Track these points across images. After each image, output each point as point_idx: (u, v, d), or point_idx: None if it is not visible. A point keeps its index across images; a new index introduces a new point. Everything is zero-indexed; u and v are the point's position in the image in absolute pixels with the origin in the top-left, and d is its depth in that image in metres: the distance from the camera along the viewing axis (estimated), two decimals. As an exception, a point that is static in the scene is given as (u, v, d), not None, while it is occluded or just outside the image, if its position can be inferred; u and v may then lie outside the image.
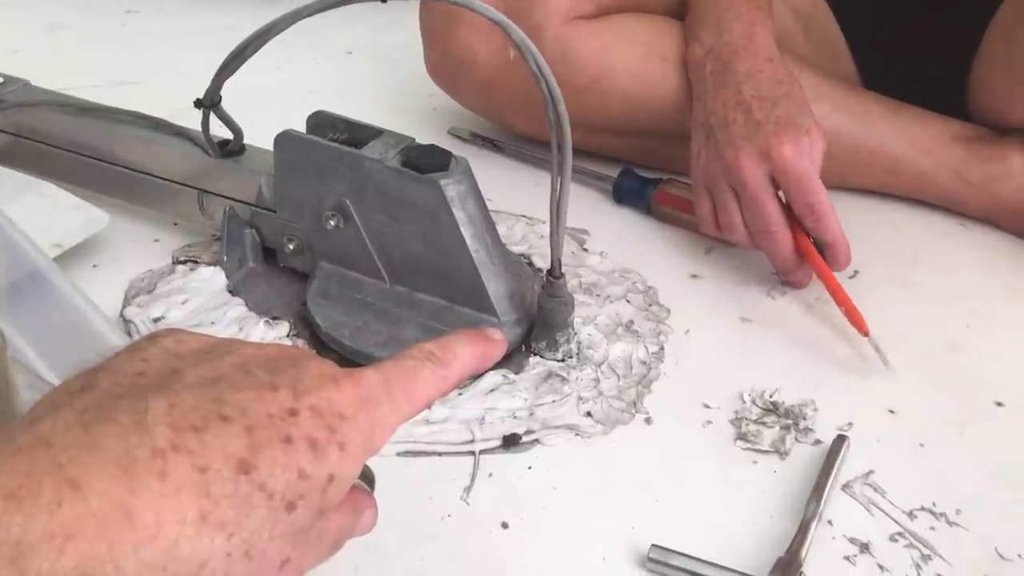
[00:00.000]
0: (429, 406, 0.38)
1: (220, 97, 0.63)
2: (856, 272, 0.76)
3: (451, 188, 0.61)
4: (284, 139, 0.64)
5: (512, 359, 0.64)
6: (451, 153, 0.63)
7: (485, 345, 0.40)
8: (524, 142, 0.89)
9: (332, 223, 0.64)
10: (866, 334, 0.66)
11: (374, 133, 0.65)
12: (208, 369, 0.33)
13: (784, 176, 0.67)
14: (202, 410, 0.31)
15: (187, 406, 0.31)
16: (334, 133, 0.66)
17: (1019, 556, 0.53)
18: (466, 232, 0.62)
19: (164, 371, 0.33)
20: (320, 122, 0.67)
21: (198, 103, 0.63)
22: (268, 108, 0.81)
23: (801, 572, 0.49)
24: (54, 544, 0.27)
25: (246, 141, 0.71)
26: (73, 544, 0.27)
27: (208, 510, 0.29)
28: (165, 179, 0.72)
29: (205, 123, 0.66)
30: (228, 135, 0.71)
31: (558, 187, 0.59)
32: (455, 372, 0.38)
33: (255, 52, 0.57)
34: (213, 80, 0.60)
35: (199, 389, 0.32)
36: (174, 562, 0.29)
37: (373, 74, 1.07)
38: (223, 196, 0.70)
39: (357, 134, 0.65)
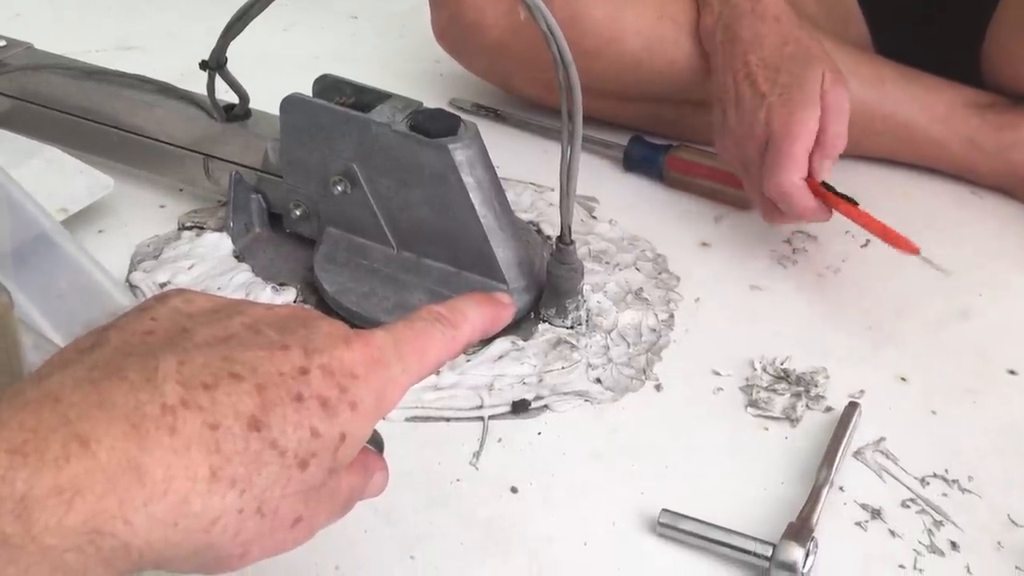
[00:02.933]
0: (439, 367, 0.38)
1: (226, 59, 0.62)
2: (868, 241, 0.75)
3: (460, 152, 0.60)
4: (290, 103, 0.63)
5: (521, 326, 0.63)
6: (460, 117, 0.62)
7: (494, 308, 0.40)
8: (529, 111, 0.88)
9: (339, 188, 0.64)
10: (916, 252, 0.63)
11: (382, 97, 0.64)
12: (219, 328, 0.33)
13: (771, 141, 0.67)
14: (212, 368, 0.31)
15: (197, 364, 0.31)
16: (341, 97, 0.65)
17: (1031, 523, 0.53)
18: (475, 197, 0.61)
19: (174, 330, 0.33)
20: (327, 86, 0.66)
21: (203, 64, 0.62)
22: (274, 72, 0.80)
23: (813, 537, 0.48)
24: (61, 499, 0.27)
25: (252, 106, 0.71)
26: (81, 499, 0.27)
27: (219, 466, 0.29)
28: (170, 144, 0.71)
29: (211, 85, 0.65)
30: (234, 100, 0.70)
31: (568, 150, 0.58)
32: (464, 333, 0.38)
33: (260, 12, 0.56)
34: (218, 41, 0.60)
35: (209, 348, 0.32)
36: (185, 518, 0.29)
37: (379, 39, 1.06)
38: (229, 161, 0.69)
39: (364, 98, 0.64)
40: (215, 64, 0.62)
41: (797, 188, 0.66)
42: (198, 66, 0.64)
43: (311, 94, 0.65)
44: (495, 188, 0.63)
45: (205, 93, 0.68)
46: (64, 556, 0.27)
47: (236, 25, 0.57)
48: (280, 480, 0.31)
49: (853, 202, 0.66)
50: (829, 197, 0.66)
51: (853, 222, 0.66)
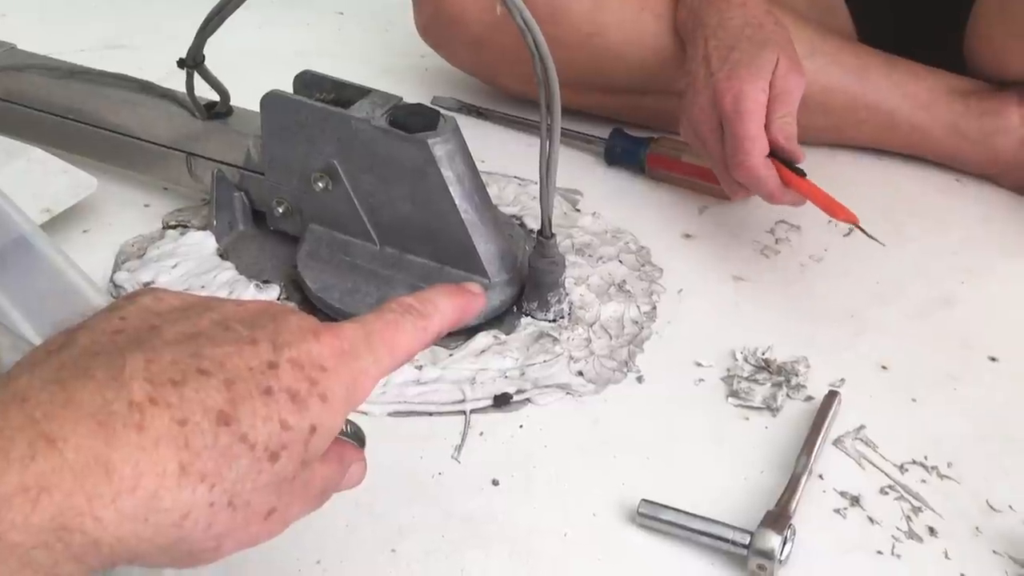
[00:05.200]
0: (411, 358, 0.38)
1: (203, 56, 0.62)
2: (851, 230, 0.75)
3: (439, 147, 0.61)
4: (270, 100, 0.64)
5: (503, 320, 0.64)
6: (439, 112, 0.62)
7: (465, 298, 0.40)
8: (514, 105, 0.88)
9: (320, 185, 0.64)
10: (855, 222, 0.63)
11: (361, 92, 0.64)
12: (187, 325, 0.33)
13: (724, 121, 0.66)
14: (180, 365, 0.31)
15: (165, 361, 0.31)
16: (321, 93, 0.65)
17: (1010, 508, 0.53)
18: (455, 192, 0.61)
19: (142, 328, 0.33)
20: (307, 82, 0.66)
21: (181, 63, 0.62)
22: (260, 69, 0.79)
23: (790, 525, 0.49)
24: (27, 497, 0.27)
25: (237, 103, 0.71)
26: (48, 496, 0.27)
27: (188, 461, 0.29)
28: (152, 143, 0.71)
29: (189, 83, 0.65)
30: (217, 98, 0.70)
31: (547, 144, 0.58)
32: (435, 324, 0.38)
33: (235, 9, 0.57)
34: (195, 38, 0.60)
35: (177, 345, 0.32)
36: (155, 513, 0.29)
37: (364, 35, 1.06)
38: (211, 159, 0.70)
39: (344, 94, 0.65)
40: (192, 62, 0.62)
41: (764, 171, 0.65)
42: (176, 64, 0.64)
43: (292, 91, 0.66)
44: (475, 182, 0.63)
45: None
46: (31, 553, 0.27)
47: (212, 22, 0.57)
48: (251, 473, 0.31)
49: (801, 173, 0.65)
50: (781, 169, 0.66)
51: (799, 193, 0.66)
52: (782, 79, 0.67)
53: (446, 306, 0.39)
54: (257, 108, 0.65)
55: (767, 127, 0.65)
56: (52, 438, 0.28)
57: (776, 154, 0.65)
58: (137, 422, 0.29)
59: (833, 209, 0.64)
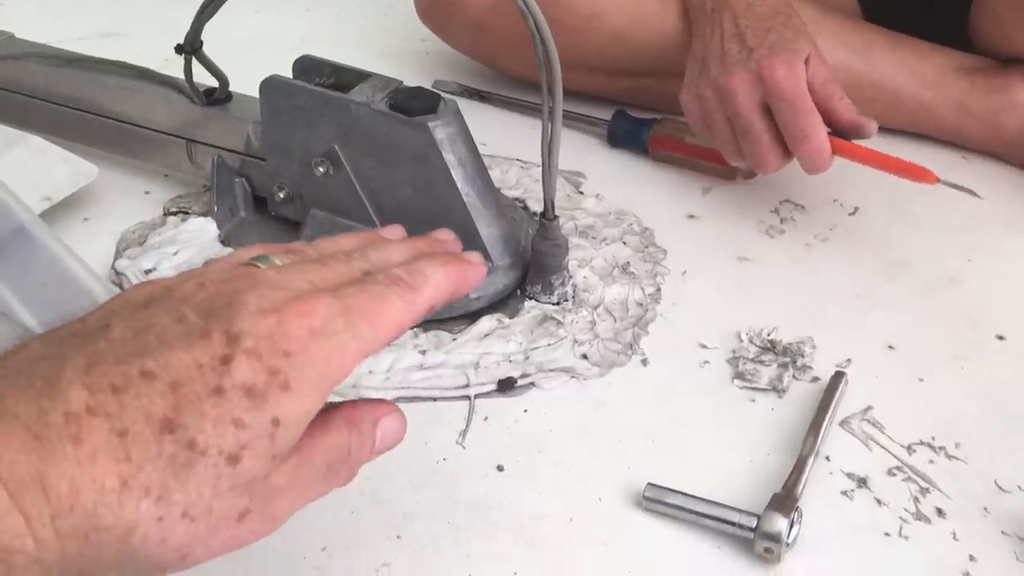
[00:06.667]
0: (399, 334, 0.35)
1: (201, 42, 0.61)
2: (856, 208, 0.75)
3: (440, 130, 0.60)
4: (269, 84, 0.63)
5: (507, 303, 0.63)
6: (439, 95, 0.62)
7: (460, 267, 0.37)
8: (515, 88, 0.88)
9: (321, 170, 0.63)
10: (936, 181, 0.64)
11: (361, 77, 0.64)
12: (138, 321, 0.31)
13: (775, 99, 0.66)
14: (123, 367, 0.29)
15: (107, 364, 0.29)
16: (320, 77, 0.65)
17: (1019, 488, 0.52)
18: (456, 175, 0.61)
19: (95, 327, 0.31)
20: (307, 66, 0.66)
21: (179, 49, 0.62)
22: (260, 55, 0.79)
23: (797, 507, 0.48)
24: None
25: (238, 89, 0.70)
26: None
27: (129, 475, 0.28)
28: (152, 129, 0.71)
29: (187, 69, 0.65)
30: (216, 84, 0.70)
31: (549, 127, 0.58)
32: (425, 297, 0.35)
33: (232, -5, 0.56)
34: (192, 24, 0.59)
35: (123, 344, 0.30)
36: (96, 531, 0.27)
37: (364, 19, 1.06)
38: (211, 145, 0.69)
39: (344, 78, 0.64)
40: (190, 48, 0.61)
41: (827, 142, 0.66)
42: (174, 50, 0.63)
43: (292, 75, 0.65)
44: (477, 165, 0.62)
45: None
46: None
47: (209, 8, 0.57)
48: (208, 480, 0.29)
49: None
50: (836, 141, 0.66)
51: (862, 163, 0.67)
52: (820, 67, 0.67)
53: (439, 278, 0.36)
54: (256, 94, 0.65)
55: (835, 111, 0.66)
56: None
57: (839, 132, 0.67)
58: (73, 434, 0.27)
59: (907, 170, 0.65)
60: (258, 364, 0.30)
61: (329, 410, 0.34)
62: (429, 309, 0.36)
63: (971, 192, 0.65)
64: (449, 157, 0.61)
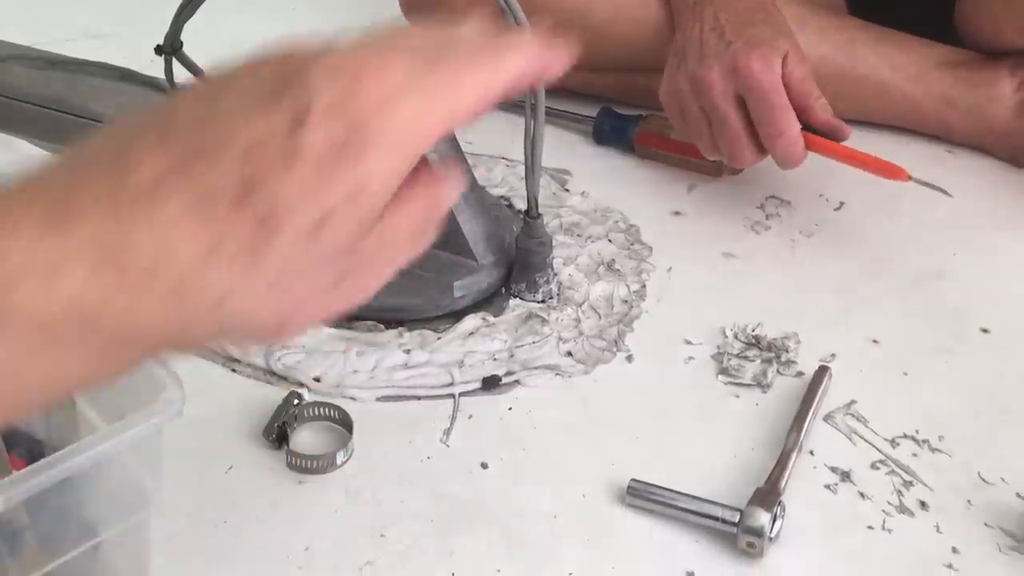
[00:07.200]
0: (483, 104, 0.31)
1: (181, 43, 0.61)
2: (842, 204, 0.75)
3: (422, 129, 0.60)
4: (252, 85, 0.63)
5: (492, 302, 0.63)
6: (422, 94, 0.62)
7: (543, 51, 0.32)
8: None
9: (304, 169, 0.63)
10: (908, 178, 0.65)
11: (344, 76, 0.64)
12: (210, 94, 0.29)
13: (750, 93, 0.66)
14: (194, 134, 0.28)
15: (177, 133, 0.28)
16: (303, 77, 0.64)
17: (1002, 480, 0.53)
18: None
19: (162, 109, 0.29)
20: (289, 67, 0.65)
21: (159, 49, 0.62)
22: (243, 54, 0.79)
23: (780, 502, 0.49)
24: (41, 278, 0.26)
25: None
26: (70, 277, 0.26)
27: (212, 243, 0.27)
28: (136, 131, 0.71)
29: (168, 70, 0.64)
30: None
31: (532, 124, 0.58)
32: (509, 67, 0.31)
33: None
34: (172, 24, 0.59)
35: (193, 117, 0.28)
36: (186, 299, 0.27)
37: (350, 15, 1.05)
38: (195, 146, 0.69)
39: (326, 77, 0.64)
40: (170, 48, 0.61)
41: (800, 138, 0.66)
42: (154, 51, 0.63)
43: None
44: (460, 163, 0.62)
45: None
46: (58, 331, 0.26)
47: (188, 8, 0.57)
48: (295, 248, 0.28)
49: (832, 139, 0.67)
50: (810, 137, 0.66)
51: (836, 159, 0.67)
52: (798, 65, 0.67)
53: (521, 52, 0.31)
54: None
55: (810, 109, 0.66)
56: (68, 214, 0.26)
57: (814, 129, 0.67)
58: (149, 205, 0.27)
59: (880, 168, 0.65)
60: (336, 124, 0.28)
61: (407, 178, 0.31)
62: (512, 82, 0.31)
63: (942, 191, 0.65)
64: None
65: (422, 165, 0.32)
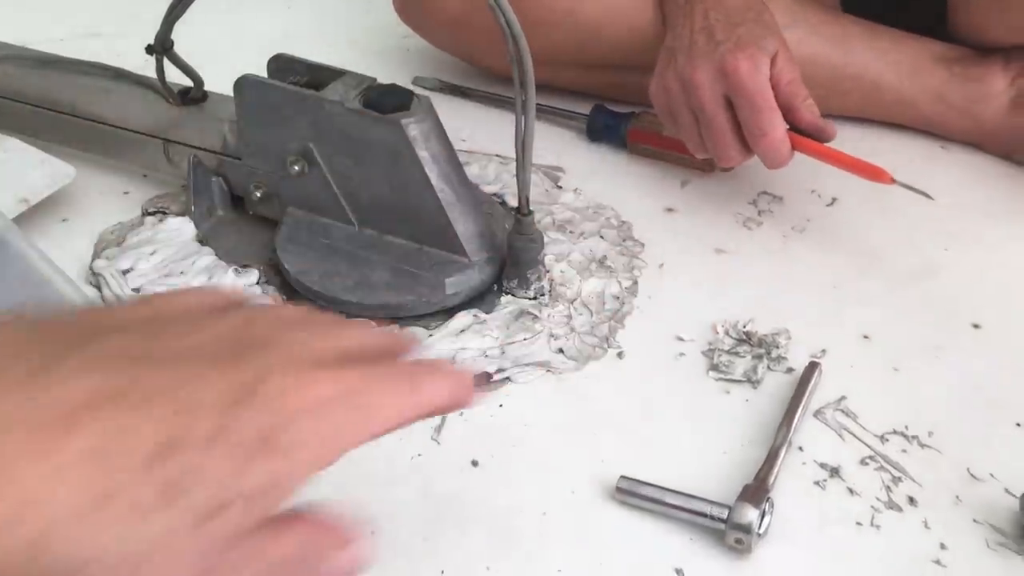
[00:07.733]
0: (398, 424, 0.32)
1: (172, 42, 0.61)
2: (834, 199, 0.75)
3: (413, 127, 0.60)
4: (243, 84, 0.63)
5: (483, 299, 0.63)
6: (412, 92, 0.62)
7: (459, 381, 0.34)
8: (494, 85, 0.88)
9: (296, 168, 0.63)
10: (891, 182, 0.65)
11: (335, 75, 0.64)
12: (155, 328, 0.29)
13: (737, 94, 0.66)
14: (133, 370, 0.27)
15: (117, 359, 0.27)
16: (294, 76, 0.65)
17: (991, 476, 0.53)
18: (430, 171, 0.61)
19: (109, 323, 0.29)
20: (281, 65, 0.66)
21: (149, 49, 0.62)
22: (241, 53, 0.79)
23: (769, 498, 0.49)
24: None
25: (221, 89, 0.70)
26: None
27: (106, 496, 0.25)
28: (129, 130, 0.71)
29: (159, 69, 0.65)
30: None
31: (523, 123, 0.58)
32: (429, 393, 0.33)
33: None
34: (162, 23, 0.59)
35: (139, 347, 0.28)
36: (45, 555, 0.24)
37: (345, 15, 1.05)
38: (188, 145, 0.69)
39: (318, 76, 0.64)
40: (161, 48, 0.61)
41: (787, 142, 0.66)
42: (144, 51, 0.63)
43: (266, 74, 0.65)
44: (452, 161, 0.62)
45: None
46: None
47: (178, 7, 0.57)
48: (184, 525, 0.26)
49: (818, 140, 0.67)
50: (796, 138, 0.66)
51: (821, 160, 0.67)
52: (786, 66, 0.67)
53: (443, 381, 0.33)
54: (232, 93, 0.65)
55: (797, 110, 0.66)
56: None
57: (800, 129, 0.67)
58: (58, 435, 0.24)
59: (863, 170, 0.65)
60: (266, 418, 0.27)
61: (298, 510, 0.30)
62: (428, 408, 0.33)
63: (925, 194, 0.65)
64: (423, 154, 0.61)
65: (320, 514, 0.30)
